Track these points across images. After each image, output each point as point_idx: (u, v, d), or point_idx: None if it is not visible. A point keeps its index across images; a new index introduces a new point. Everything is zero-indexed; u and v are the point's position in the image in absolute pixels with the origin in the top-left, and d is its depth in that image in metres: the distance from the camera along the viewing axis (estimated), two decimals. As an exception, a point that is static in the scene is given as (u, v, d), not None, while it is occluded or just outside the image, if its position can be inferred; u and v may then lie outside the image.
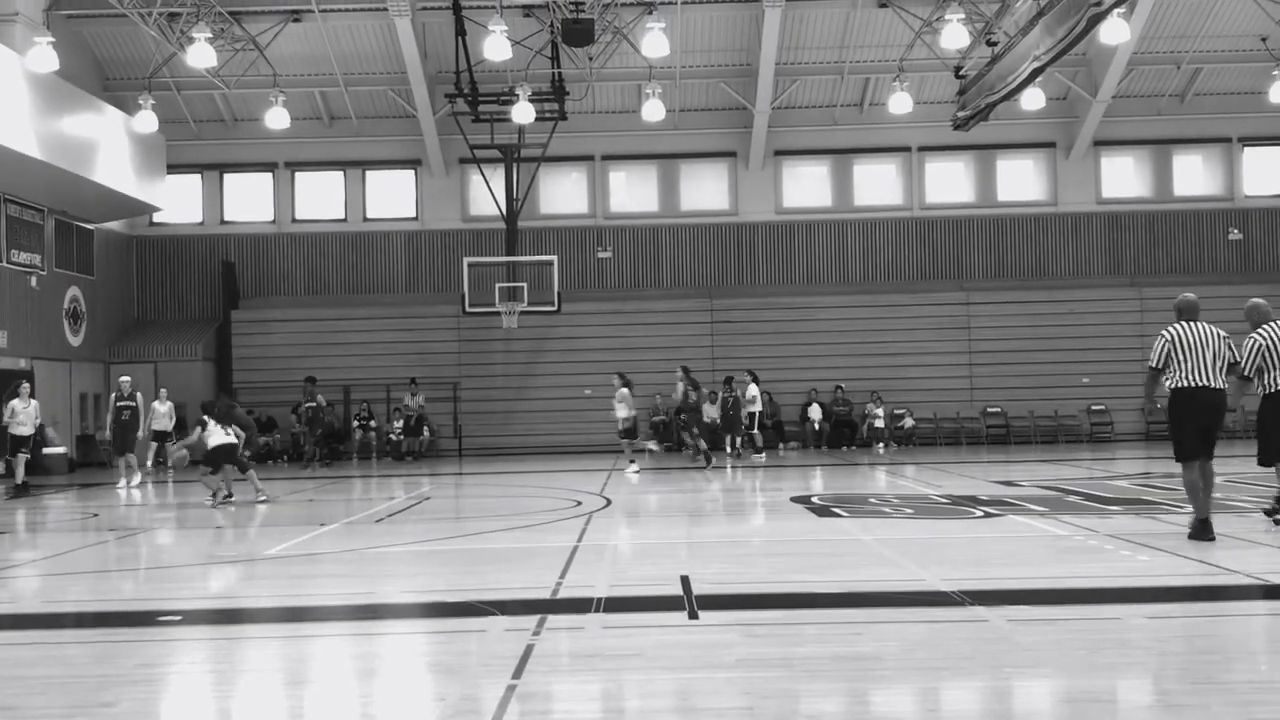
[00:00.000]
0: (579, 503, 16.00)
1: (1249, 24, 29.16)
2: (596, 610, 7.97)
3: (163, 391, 25.10)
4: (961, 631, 7.15)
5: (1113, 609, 8.14)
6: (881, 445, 28.48)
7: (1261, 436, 11.13)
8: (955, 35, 24.13)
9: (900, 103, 27.83)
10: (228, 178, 32.00)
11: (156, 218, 31.37)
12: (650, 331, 30.30)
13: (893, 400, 29.56)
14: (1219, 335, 10.55)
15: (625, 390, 22.09)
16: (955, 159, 31.85)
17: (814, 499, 15.84)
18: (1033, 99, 27.19)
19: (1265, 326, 10.92)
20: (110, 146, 26.52)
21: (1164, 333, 10.59)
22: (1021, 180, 32.10)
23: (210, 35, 24.32)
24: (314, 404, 26.85)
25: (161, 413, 24.55)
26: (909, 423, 29.34)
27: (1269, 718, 5.32)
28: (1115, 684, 5.85)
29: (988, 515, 13.22)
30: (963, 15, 24.18)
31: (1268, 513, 11.74)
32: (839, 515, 13.61)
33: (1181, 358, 10.42)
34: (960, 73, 26.43)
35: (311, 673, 6.66)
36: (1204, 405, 10.45)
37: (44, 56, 22.35)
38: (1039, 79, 23.32)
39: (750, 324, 30.42)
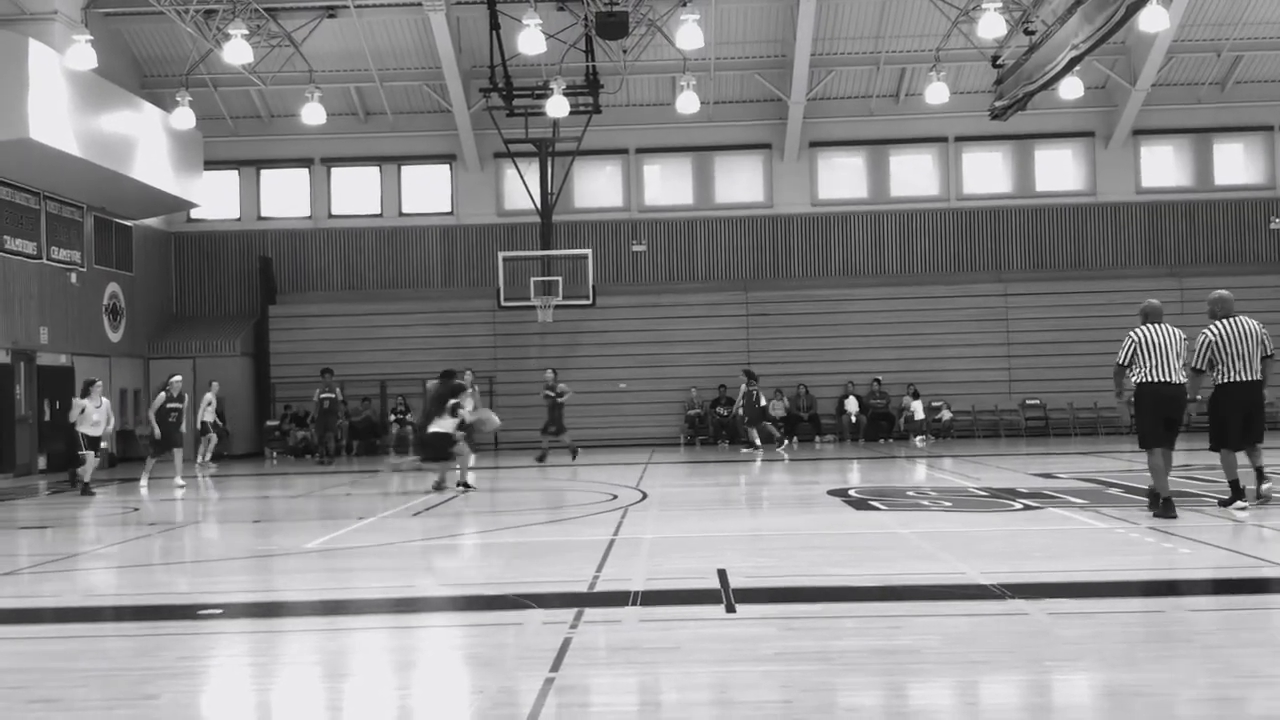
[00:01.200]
0: (615, 496, 16.00)
1: (1290, 10, 28.78)
2: (633, 604, 7.95)
3: (215, 385, 26.16)
4: (1002, 625, 7.10)
5: (1154, 601, 8.07)
6: (919, 438, 28.32)
7: (1213, 424, 12.00)
8: (992, 24, 23.93)
9: (937, 93, 27.65)
10: (264, 174, 32.18)
11: (194, 214, 31.60)
12: (685, 325, 30.28)
13: (930, 393, 29.40)
14: (1179, 336, 11.72)
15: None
16: (993, 149, 31.62)
17: (851, 492, 15.78)
18: (1071, 88, 26.94)
19: (1221, 321, 11.84)
20: (148, 144, 26.72)
21: (1131, 334, 11.80)
22: (1060, 170, 31.83)
23: (246, 32, 24.45)
24: (331, 395, 26.74)
25: (204, 403, 25.66)
26: (946, 415, 29.18)
27: (1316, 712, 5.25)
28: (1158, 677, 5.78)
29: (1027, 508, 13.12)
30: (1000, 4, 23.98)
31: (1223, 504, 12.10)
32: (877, 508, 13.54)
33: (1146, 356, 11.61)
34: (998, 62, 26.21)
35: (350, 666, 6.69)
36: (1166, 398, 11.59)
37: (83, 54, 22.55)
38: (1077, 68, 23.13)
39: (786, 316, 30.34)
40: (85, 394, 19.64)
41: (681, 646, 6.61)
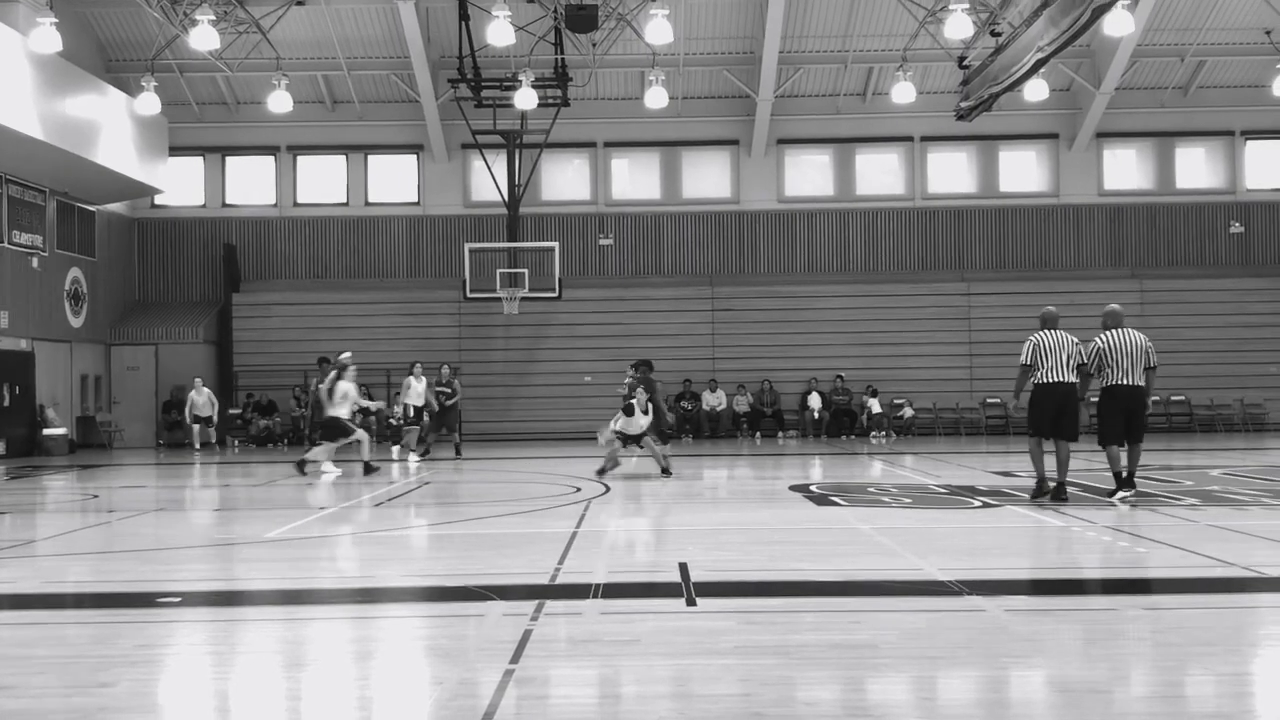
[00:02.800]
0: (578, 489, 16.02)
1: (1253, 17, 29.10)
2: (595, 596, 7.98)
3: (198, 380, 27.09)
4: (959, 621, 7.17)
5: (1109, 600, 8.18)
6: (880, 435, 28.48)
7: (1101, 422, 13.22)
8: (959, 25, 24.07)
9: (903, 92, 27.79)
10: (230, 160, 31.98)
11: (158, 200, 31.36)
12: (651, 319, 30.32)
13: (893, 390, 29.58)
14: (1071, 340, 13.08)
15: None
16: (958, 149, 31.83)
17: (812, 488, 15.86)
18: (1036, 90, 27.13)
19: (1111, 332, 13.04)
20: (112, 128, 26.50)
21: (1031, 338, 13.21)
22: (1024, 171, 32.08)
23: (213, 18, 24.25)
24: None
25: (200, 401, 27.09)
26: (908, 413, 29.37)
27: (1265, 710, 5.34)
28: (1112, 674, 5.86)
29: (986, 506, 13.24)
30: (967, 5, 24.12)
31: (1110, 494, 13.18)
32: (838, 504, 13.62)
33: (1042, 358, 13.04)
34: (964, 63, 26.37)
35: (309, 655, 6.68)
36: (1057, 395, 13.00)
37: (47, 37, 22.29)
38: (1043, 70, 23.30)
39: (751, 312, 30.45)
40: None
41: (642, 639, 6.64)
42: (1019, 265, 31.37)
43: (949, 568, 8.88)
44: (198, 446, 27.12)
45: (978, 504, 13.45)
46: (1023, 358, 13.23)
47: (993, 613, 7.30)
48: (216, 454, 25.61)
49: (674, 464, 18.39)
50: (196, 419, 27.66)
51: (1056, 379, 12.99)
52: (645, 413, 17.37)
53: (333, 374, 18.82)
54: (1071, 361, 13.02)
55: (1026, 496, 13.72)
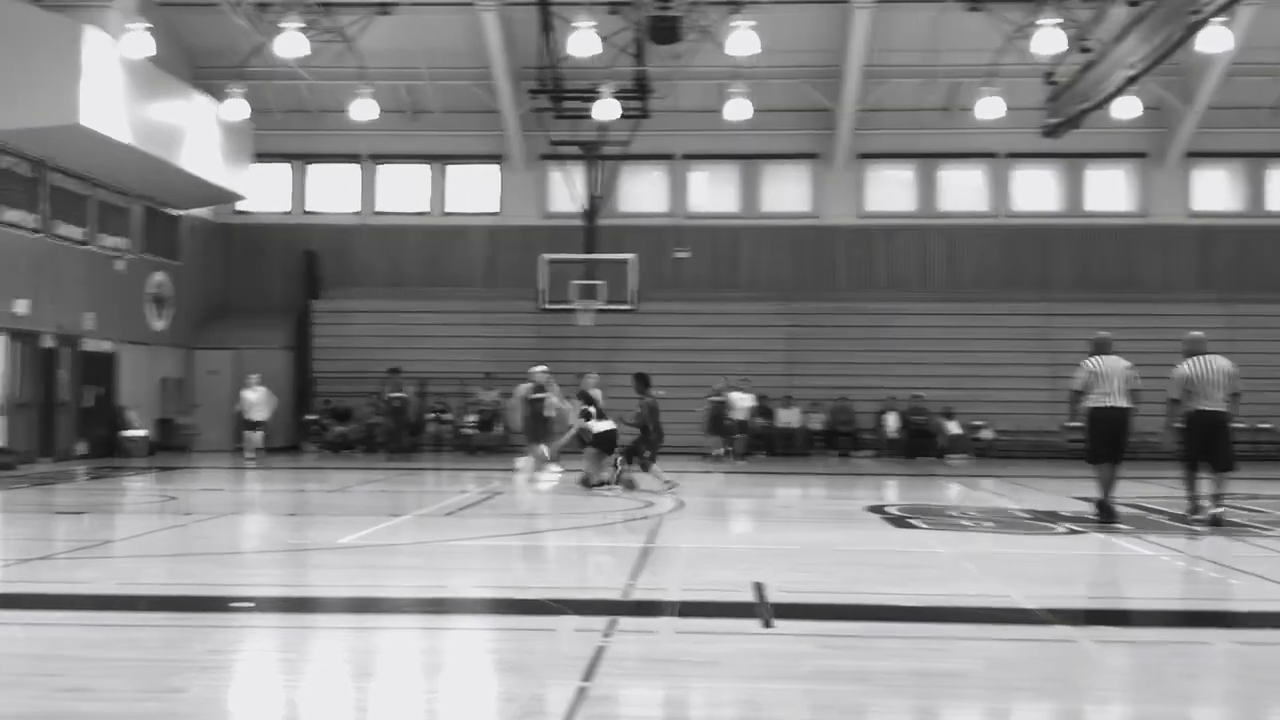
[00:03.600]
0: (650, 503, 15.86)
1: (1353, 36, 28.29)
2: (668, 614, 7.82)
3: (252, 378, 25.38)
4: (1047, 651, 6.92)
5: (1202, 633, 7.85)
6: (958, 457, 27.97)
7: (1185, 446, 13.42)
8: (1048, 40, 23.70)
9: (989, 108, 27.38)
10: (312, 168, 32.31)
11: (242, 206, 31.76)
12: (726, 334, 30.09)
13: (972, 411, 29.06)
14: (1124, 365, 13.24)
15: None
16: (1043, 167, 31.31)
17: (890, 509, 15.58)
18: (1125, 107, 26.63)
19: (1194, 358, 13.24)
20: (199, 134, 26.86)
21: (1085, 363, 13.37)
22: (1111, 190, 31.49)
23: (300, 26, 24.52)
24: (402, 395, 26.82)
25: (253, 401, 24.88)
26: (988, 434, 28.85)
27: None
28: (1209, 712, 5.60)
29: (1071, 532, 12.88)
30: (1056, 20, 23.73)
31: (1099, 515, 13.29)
32: (917, 526, 13.34)
33: (1096, 383, 13.14)
34: (1052, 79, 25.93)
35: (379, 666, 6.59)
36: (1113, 419, 13.11)
37: (138, 42, 22.67)
38: (1133, 87, 22.81)
39: (828, 329, 30.12)
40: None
41: (718, 661, 6.47)
42: (1104, 286, 30.75)
43: (1035, 595, 8.61)
44: (249, 455, 24.54)
45: (1062, 530, 13.10)
46: (1075, 383, 13.41)
47: (1082, 643, 7.04)
48: (252, 463, 23.69)
49: (732, 481, 18.17)
50: (249, 423, 25.07)
51: (1110, 404, 13.08)
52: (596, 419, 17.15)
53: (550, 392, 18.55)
54: (1125, 386, 13.10)
55: (1114, 525, 13.35)
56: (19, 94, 21.65)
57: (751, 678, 6.10)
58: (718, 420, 25.36)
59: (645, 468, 17.57)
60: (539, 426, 19.20)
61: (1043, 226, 31.10)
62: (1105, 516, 13.15)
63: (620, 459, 17.41)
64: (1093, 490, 13.74)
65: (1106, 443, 13.20)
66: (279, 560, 10.68)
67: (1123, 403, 13.11)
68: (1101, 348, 13.41)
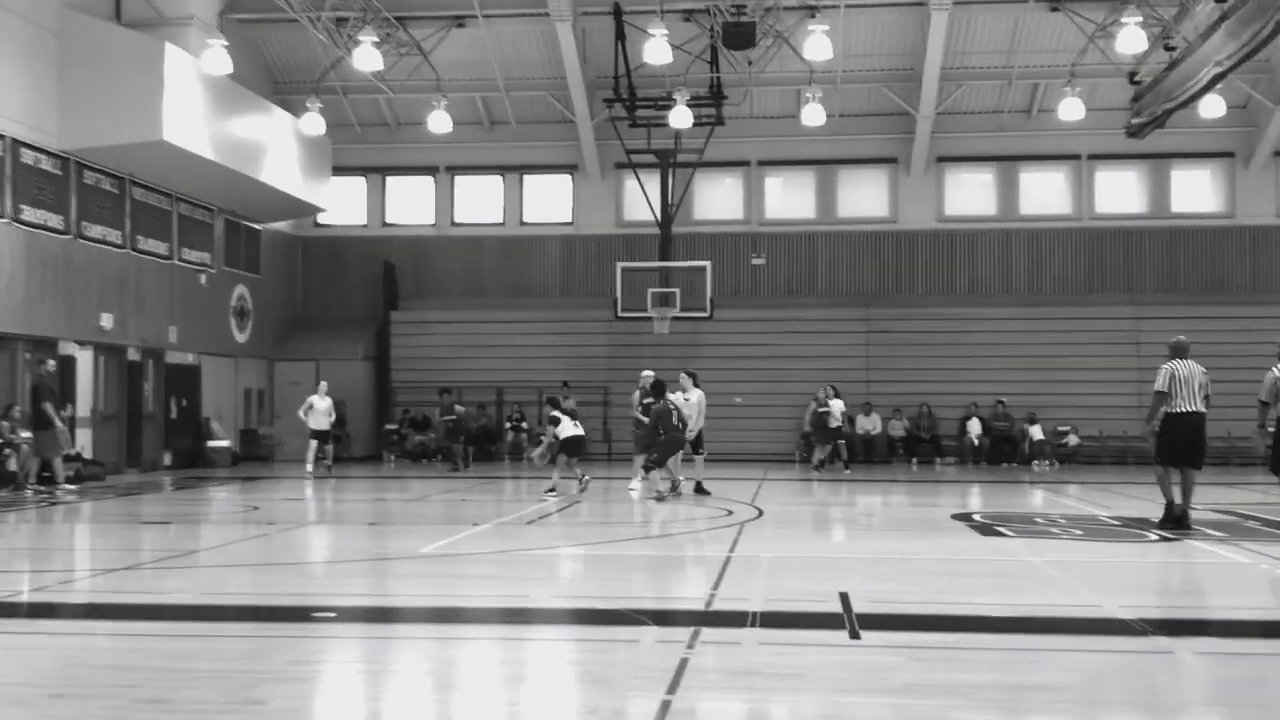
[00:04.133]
0: (730, 512, 15.71)
1: None
2: (752, 625, 7.68)
3: (323, 386, 24.53)
4: (1146, 664, 6.68)
5: (1310, 646, 7.56)
6: (1043, 463, 27.46)
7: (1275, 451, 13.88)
8: (1131, 39, 23.21)
9: (1071, 109, 26.87)
10: (390, 180, 32.56)
11: (321, 219, 32.08)
12: (804, 340, 29.81)
13: (1056, 416, 28.52)
14: (1201, 370, 13.30)
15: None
16: (1127, 168, 30.66)
17: (976, 516, 15.28)
18: (1212, 106, 26.02)
19: (1180, 362, 13.37)
20: (278, 148, 27.17)
21: (1165, 366, 13.32)
22: (1197, 191, 30.74)
23: (376, 39, 24.70)
24: (453, 416, 26.49)
25: (321, 410, 23.55)
26: (1073, 440, 28.30)
27: None
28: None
29: (1163, 539, 12.54)
30: (1139, 19, 23.25)
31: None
32: (1004, 534, 13.05)
33: (1179, 388, 13.15)
34: (1135, 78, 25.41)
35: (461, 677, 6.52)
36: (1190, 424, 13.13)
37: (218, 59, 22.96)
38: (1219, 85, 22.25)
39: (908, 334, 29.71)
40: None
41: (804, 674, 6.32)
42: (1191, 288, 30.05)
43: (1129, 605, 8.36)
44: (309, 468, 23.11)
45: (1154, 538, 12.75)
46: (1159, 384, 13.32)
47: (1182, 656, 6.80)
48: (310, 476, 22.64)
49: (812, 489, 17.93)
50: (314, 433, 23.45)
51: (1190, 409, 13.12)
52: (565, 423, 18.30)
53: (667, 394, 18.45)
54: (1202, 391, 13.18)
55: (1205, 531, 12.98)
56: (104, 111, 22.04)
57: (839, 691, 5.94)
58: (822, 428, 24.94)
59: (648, 469, 17.93)
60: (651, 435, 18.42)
61: (1128, 228, 30.46)
62: (1174, 523, 13.14)
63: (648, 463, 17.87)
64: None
65: (1185, 448, 13.20)
66: (361, 570, 10.68)
67: (1202, 408, 13.19)
68: (1181, 351, 13.46)
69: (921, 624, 7.75)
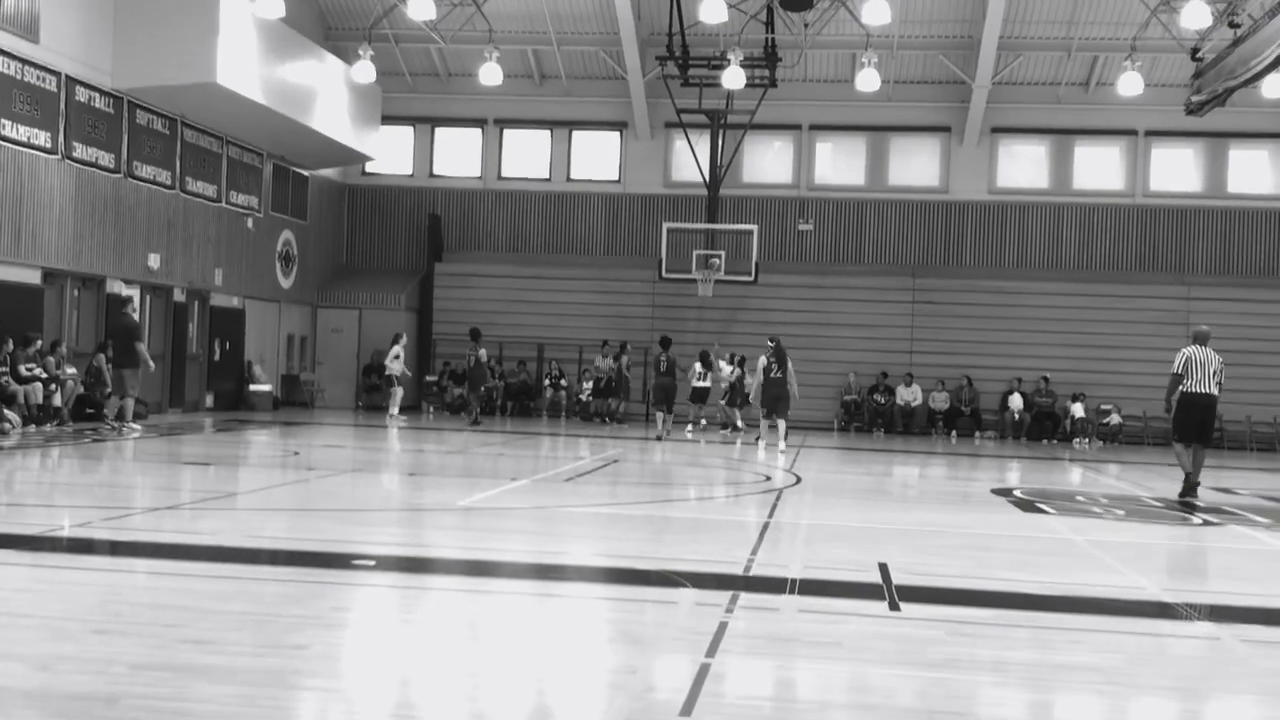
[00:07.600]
0: (768, 478, 15.66)
1: None
2: (791, 592, 7.64)
3: (404, 336, 26.79)
4: (1191, 649, 6.59)
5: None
6: (1085, 441, 27.22)
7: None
8: (1195, 15, 22.79)
9: (1130, 83, 26.43)
10: (439, 131, 32.48)
11: (369, 167, 32.08)
12: (848, 308, 29.65)
13: (1100, 395, 28.24)
14: (1216, 357, 14.46)
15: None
16: (1185, 145, 30.17)
17: (1016, 492, 15.16)
18: (1275, 86, 25.48)
19: (1197, 347, 14.57)
20: (329, 95, 27.14)
21: (1183, 350, 14.64)
22: (1256, 172, 30.22)
23: (430, -11, 24.57)
24: (475, 357, 26.32)
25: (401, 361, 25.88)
26: (1115, 419, 28.03)
27: None
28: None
29: (1207, 523, 12.39)
30: (1205, -6, 22.80)
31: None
32: (1045, 511, 12.94)
33: (1193, 370, 14.34)
34: (1197, 55, 24.91)
35: (500, 631, 6.51)
36: (1201, 403, 14.39)
37: (271, 3, 22.91)
38: (1284, 64, 21.79)
39: (954, 305, 29.46)
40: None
41: (844, 643, 6.27)
42: (1245, 271, 29.62)
43: (1174, 588, 8.26)
44: (395, 412, 25.32)
45: (1198, 520, 12.60)
46: (1175, 367, 14.57)
47: (1228, 642, 6.69)
48: (404, 422, 24.80)
49: (850, 459, 17.79)
50: (391, 380, 25.77)
51: (1203, 390, 14.32)
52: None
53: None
54: (1215, 376, 14.34)
55: (1252, 517, 12.83)
56: (158, 52, 22.10)
57: (879, 662, 5.88)
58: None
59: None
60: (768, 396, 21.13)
61: (1182, 207, 30.02)
62: (1187, 492, 14.43)
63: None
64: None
65: (1195, 424, 14.46)
66: (399, 519, 10.71)
67: (1214, 390, 14.39)
68: (1200, 339, 14.68)
69: (962, 598, 7.67)
